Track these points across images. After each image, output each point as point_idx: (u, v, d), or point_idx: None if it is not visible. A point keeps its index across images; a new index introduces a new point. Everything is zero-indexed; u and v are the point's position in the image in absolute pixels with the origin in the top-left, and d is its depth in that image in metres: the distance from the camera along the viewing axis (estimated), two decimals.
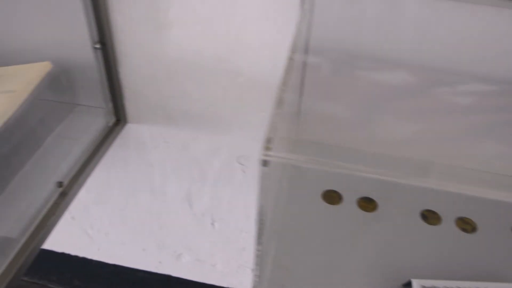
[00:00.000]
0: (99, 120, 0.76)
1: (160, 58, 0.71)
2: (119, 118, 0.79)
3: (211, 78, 0.71)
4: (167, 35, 0.68)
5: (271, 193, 0.41)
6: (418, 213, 0.63)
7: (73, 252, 1.14)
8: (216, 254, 1.03)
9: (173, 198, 0.91)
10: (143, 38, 0.69)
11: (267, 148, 0.32)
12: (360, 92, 0.64)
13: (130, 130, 0.81)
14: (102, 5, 0.66)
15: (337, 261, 0.58)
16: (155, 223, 1.00)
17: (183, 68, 0.71)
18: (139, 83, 0.75)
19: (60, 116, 0.74)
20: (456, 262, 0.58)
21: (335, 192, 0.64)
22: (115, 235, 1.05)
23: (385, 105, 0.64)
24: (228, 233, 0.95)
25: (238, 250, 0.99)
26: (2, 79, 0.66)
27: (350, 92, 0.64)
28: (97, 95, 0.74)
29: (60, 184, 0.65)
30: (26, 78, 0.65)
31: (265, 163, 0.33)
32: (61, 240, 1.12)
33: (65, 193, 0.65)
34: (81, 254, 1.13)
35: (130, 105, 0.78)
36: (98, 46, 0.68)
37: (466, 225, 0.62)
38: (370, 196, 0.64)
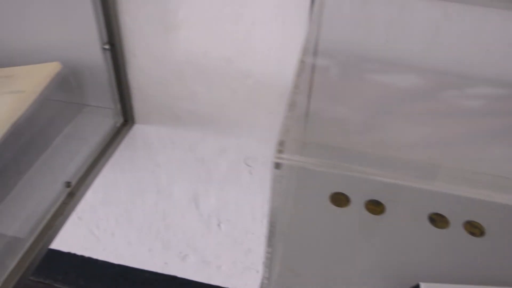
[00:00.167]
0: (107, 121, 0.76)
1: (169, 59, 0.71)
2: (127, 118, 0.79)
3: (219, 79, 0.71)
4: (176, 36, 0.69)
5: (286, 196, 0.41)
6: (426, 217, 0.63)
7: (79, 252, 1.15)
8: (222, 255, 1.03)
9: (179, 199, 0.91)
10: (151, 39, 0.70)
11: (279, 151, 0.32)
12: (368, 94, 0.63)
13: (138, 130, 0.81)
14: (111, 6, 0.66)
15: (344, 264, 0.58)
16: (161, 224, 1.01)
17: (192, 69, 0.72)
18: (147, 84, 0.75)
19: (69, 117, 0.74)
20: (464, 266, 0.58)
21: (342, 194, 0.63)
22: (121, 235, 1.06)
23: (393, 107, 0.64)
24: (234, 234, 0.96)
25: (244, 252, 0.99)
26: (12, 79, 0.67)
27: (358, 94, 0.63)
28: (105, 95, 0.75)
29: (68, 184, 0.65)
30: (36, 78, 0.65)
31: (277, 165, 0.33)
32: (67, 240, 1.12)
33: (73, 193, 0.65)
34: (87, 254, 1.15)
35: (138, 106, 0.78)
36: (107, 47, 0.69)
37: (475, 229, 0.61)
38: (378, 199, 0.64)
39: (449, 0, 0.55)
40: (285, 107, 0.37)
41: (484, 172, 0.65)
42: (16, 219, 0.60)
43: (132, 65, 0.73)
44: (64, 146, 0.70)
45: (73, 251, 1.16)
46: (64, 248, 1.16)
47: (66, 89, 0.73)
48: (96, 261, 1.15)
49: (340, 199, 0.63)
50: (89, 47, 0.68)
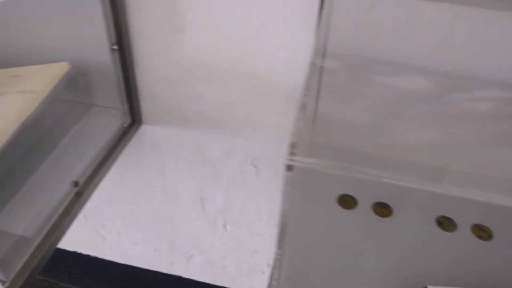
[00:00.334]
0: (115, 121, 0.77)
1: (176, 60, 0.71)
2: (134, 119, 0.79)
3: (227, 80, 0.71)
4: (184, 37, 0.69)
5: (292, 198, 0.41)
6: (433, 219, 0.63)
7: (84, 251, 1.15)
8: (227, 256, 1.03)
9: (186, 200, 0.91)
10: (160, 40, 0.70)
11: (291, 153, 0.32)
12: (376, 97, 0.63)
13: (145, 131, 0.82)
14: (120, 7, 0.66)
15: (351, 266, 0.58)
16: (167, 224, 1.01)
17: (199, 70, 0.72)
18: (155, 84, 0.75)
19: (77, 116, 0.75)
20: (472, 270, 0.58)
21: (350, 196, 0.63)
22: (127, 235, 1.06)
23: (401, 110, 0.64)
24: (240, 235, 0.96)
25: (249, 253, 0.99)
26: (21, 79, 0.67)
27: (366, 96, 0.63)
28: (113, 96, 0.75)
29: (76, 184, 0.65)
30: (45, 78, 0.65)
31: (289, 167, 0.33)
32: (73, 239, 1.13)
33: (80, 193, 0.65)
34: (92, 253, 1.15)
35: (146, 106, 0.79)
36: (115, 47, 0.69)
37: (482, 232, 0.61)
38: (386, 202, 0.64)
39: (458, 2, 0.55)
40: (297, 109, 0.37)
41: (492, 175, 0.65)
42: (24, 218, 0.60)
43: (140, 65, 0.73)
44: (72, 146, 0.71)
45: (78, 250, 1.16)
46: (70, 247, 1.16)
47: (74, 89, 0.74)
48: (101, 261, 1.15)
49: (347, 201, 0.63)
50: (97, 47, 0.69)
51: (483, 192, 0.58)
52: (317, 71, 0.45)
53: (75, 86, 0.73)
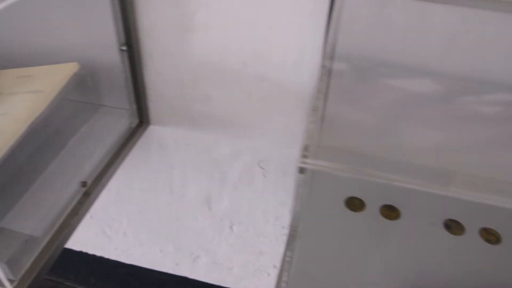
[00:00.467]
0: (123, 121, 0.77)
1: (185, 61, 0.72)
2: (142, 119, 0.80)
3: (235, 82, 0.71)
4: (193, 39, 0.69)
5: (303, 200, 0.41)
6: (441, 223, 0.62)
7: (90, 251, 1.16)
8: (233, 257, 1.03)
9: (192, 201, 0.91)
10: (168, 41, 0.70)
11: (304, 156, 0.32)
12: (385, 99, 0.63)
13: (153, 132, 0.82)
14: (129, 8, 0.66)
15: (359, 269, 0.58)
16: (173, 225, 1.01)
17: (207, 72, 0.72)
18: (163, 85, 0.75)
19: (85, 117, 0.75)
20: (480, 274, 0.58)
21: (358, 199, 0.63)
22: (133, 235, 1.06)
23: (410, 112, 0.64)
24: (246, 236, 0.96)
25: (255, 254, 0.99)
26: (31, 79, 0.67)
27: (375, 99, 0.63)
28: (121, 96, 0.75)
29: (84, 184, 0.65)
30: (54, 78, 0.65)
31: (302, 170, 0.33)
32: (79, 239, 1.13)
33: (88, 193, 0.66)
34: (98, 253, 1.15)
35: (154, 107, 0.79)
36: (124, 48, 0.69)
37: (490, 236, 0.61)
38: (393, 204, 0.63)
39: (467, 5, 0.55)
40: (307, 111, 0.37)
41: (500, 178, 0.65)
42: (32, 218, 0.60)
43: (149, 66, 0.74)
44: (80, 146, 0.71)
45: (84, 250, 1.16)
46: (76, 247, 1.16)
47: (83, 90, 0.74)
48: (107, 261, 1.16)
49: (355, 204, 0.63)
50: (106, 48, 0.69)
51: (491, 195, 0.58)
52: (329, 74, 0.45)
53: (84, 87, 0.73)
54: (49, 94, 0.63)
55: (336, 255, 0.59)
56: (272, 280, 1.00)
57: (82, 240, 1.14)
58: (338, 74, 0.61)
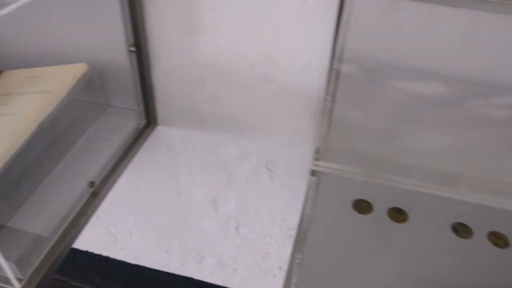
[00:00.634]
0: (130, 122, 0.77)
1: (193, 62, 0.72)
2: (149, 120, 0.80)
3: (243, 83, 0.71)
4: (200, 40, 0.69)
5: (313, 202, 0.41)
6: (449, 226, 0.62)
7: (96, 251, 1.16)
8: (239, 259, 1.03)
9: (199, 202, 0.92)
10: (176, 42, 0.70)
11: (316, 159, 0.32)
12: (393, 102, 0.63)
13: (160, 132, 0.82)
14: (138, 9, 0.67)
15: (366, 272, 0.57)
16: (179, 226, 1.01)
17: (215, 73, 0.72)
18: (171, 86, 0.76)
19: (93, 117, 0.75)
20: (488, 277, 0.57)
21: (365, 201, 0.63)
22: (139, 235, 1.07)
23: (418, 115, 0.64)
24: (253, 238, 0.96)
25: (261, 255, 0.99)
26: (40, 79, 0.67)
27: (383, 101, 0.63)
28: (129, 97, 0.75)
29: (91, 184, 0.66)
30: (63, 79, 0.66)
31: (313, 173, 0.33)
32: (85, 238, 1.13)
33: (96, 193, 0.66)
34: (104, 253, 1.15)
35: (161, 108, 0.79)
36: (133, 49, 0.69)
37: (499, 239, 0.61)
38: (401, 207, 0.63)
39: (477, 8, 0.55)
40: (317, 114, 0.37)
41: (509, 181, 0.65)
42: (40, 218, 0.61)
43: (157, 67, 0.74)
44: (88, 146, 0.71)
45: (90, 249, 1.16)
46: (82, 247, 1.17)
47: (91, 90, 0.74)
48: (113, 261, 1.16)
49: (363, 206, 0.63)
50: (115, 49, 0.69)
51: (499, 198, 0.57)
52: (338, 76, 0.45)
53: (92, 87, 0.73)
54: (57, 95, 0.63)
55: (344, 257, 0.59)
56: (278, 281, 1.00)
57: (88, 240, 1.15)
58: (347, 76, 0.60)
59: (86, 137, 0.72)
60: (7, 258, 0.51)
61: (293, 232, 0.89)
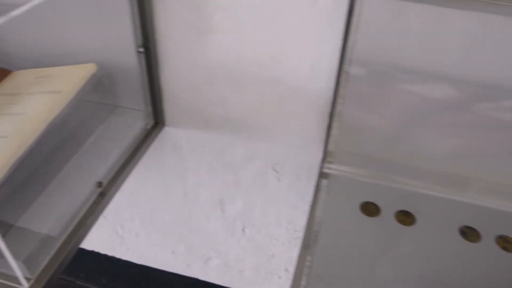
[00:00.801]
0: (138, 123, 0.77)
1: (201, 64, 0.72)
2: (157, 121, 0.80)
3: (251, 85, 0.71)
4: (209, 41, 0.69)
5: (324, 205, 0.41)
6: (457, 229, 0.62)
7: (102, 250, 1.16)
8: (244, 260, 1.03)
9: (205, 203, 0.92)
10: (185, 44, 0.70)
11: (329, 161, 0.32)
12: (401, 104, 0.63)
13: (168, 133, 0.82)
14: (147, 10, 0.67)
15: (373, 274, 0.57)
16: (186, 226, 1.01)
17: (223, 74, 0.72)
18: (179, 87, 0.76)
19: (101, 117, 0.75)
20: (496, 282, 0.57)
21: (373, 204, 0.63)
22: (145, 236, 1.07)
23: (426, 118, 0.64)
24: (259, 239, 0.96)
25: (267, 257, 0.99)
26: (49, 79, 0.68)
27: (391, 104, 0.63)
28: (137, 97, 0.76)
29: (99, 184, 0.66)
30: (72, 79, 0.66)
31: (325, 175, 0.33)
32: (91, 238, 1.14)
33: (103, 193, 0.66)
34: (110, 253, 1.16)
35: (169, 109, 0.79)
36: (141, 50, 0.70)
37: (507, 243, 0.61)
38: (409, 210, 0.63)
39: (486, 11, 0.55)
40: (325, 115, 0.37)
41: None
42: (48, 218, 0.61)
43: (165, 68, 0.74)
44: (96, 147, 0.71)
45: (96, 249, 1.17)
46: (88, 247, 1.17)
47: (100, 90, 0.74)
48: (118, 261, 1.16)
49: (370, 209, 0.62)
50: (124, 49, 0.69)
51: (508, 202, 0.57)
52: (349, 79, 0.45)
53: (101, 87, 0.73)
54: (67, 95, 0.64)
55: (350, 259, 0.59)
56: (283, 283, 1.00)
57: (94, 240, 1.15)
58: (356, 79, 0.60)
59: (94, 137, 0.72)
60: (15, 257, 0.52)
61: (299, 234, 0.89)
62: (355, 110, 0.61)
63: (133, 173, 0.72)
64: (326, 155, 0.31)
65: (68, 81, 0.66)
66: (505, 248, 0.60)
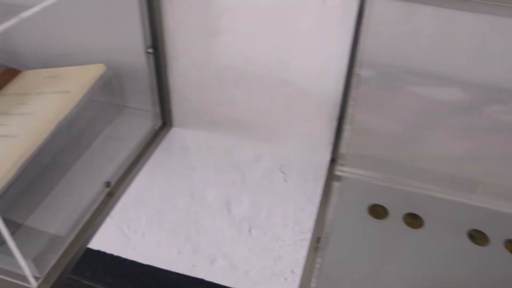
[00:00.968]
0: (146, 123, 0.77)
1: (209, 65, 0.72)
2: (165, 121, 0.80)
3: (259, 86, 0.71)
4: (218, 43, 0.69)
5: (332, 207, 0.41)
6: (465, 232, 0.62)
7: (108, 250, 1.16)
8: (250, 261, 1.04)
9: (212, 203, 0.92)
10: (194, 44, 0.70)
11: (341, 164, 0.32)
12: (411, 107, 0.63)
13: (175, 134, 0.82)
14: (156, 11, 0.67)
15: (381, 277, 0.57)
16: (192, 227, 1.02)
17: (232, 75, 0.72)
18: (187, 88, 0.76)
19: (109, 118, 0.76)
20: (504, 286, 0.57)
21: (381, 206, 0.63)
22: (151, 236, 1.07)
23: (435, 121, 0.64)
24: (265, 240, 0.96)
25: (273, 258, 0.99)
26: (59, 80, 0.68)
27: (401, 107, 0.63)
28: (145, 98, 0.76)
29: (107, 184, 0.66)
30: (81, 79, 0.66)
31: (338, 178, 0.33)
32: (97, 238, 1.14)
33: (111, 193, 0.66)
34: (116, 252, 1.16)
35: (177, 110, 0.79)
36: (150, 50, 0.70)
37: None
38: (417, 213, 0.63)
39: (496, 14, 0.55)
40: (333, 118, 0.37)
41: None
42: (57, 217, 0.61)
43: (173, 69, 0.74)
44: (104, 147, 0.71)
45: (102, 249, 1.17)
46: (94, 246, 1.17)
47: (108, 91, 0.75)
48: (124, 260, 1.16)
49: (378, 211, 0.62)
50: (133, 50, 0.70)
51: None
52: (360, 82, 0.45)
53: (109, 88, 0.74)
54: (76, 95, 0.64)
55: (358, 261, 0.59)
56: (289, 285, 1.00)
57: (100, 239, 1.15)
58: (365, 81, 0.60)
59: (102, 137, 0.73)
60: (24, 256, 0.52)
61: (306, 236, 0.89)
62: (365, 112, 0.61)
63: (141, 173, 0.73)
64: (337, 158, 0.31)
65: (77, 81, 0.66)
66: None
